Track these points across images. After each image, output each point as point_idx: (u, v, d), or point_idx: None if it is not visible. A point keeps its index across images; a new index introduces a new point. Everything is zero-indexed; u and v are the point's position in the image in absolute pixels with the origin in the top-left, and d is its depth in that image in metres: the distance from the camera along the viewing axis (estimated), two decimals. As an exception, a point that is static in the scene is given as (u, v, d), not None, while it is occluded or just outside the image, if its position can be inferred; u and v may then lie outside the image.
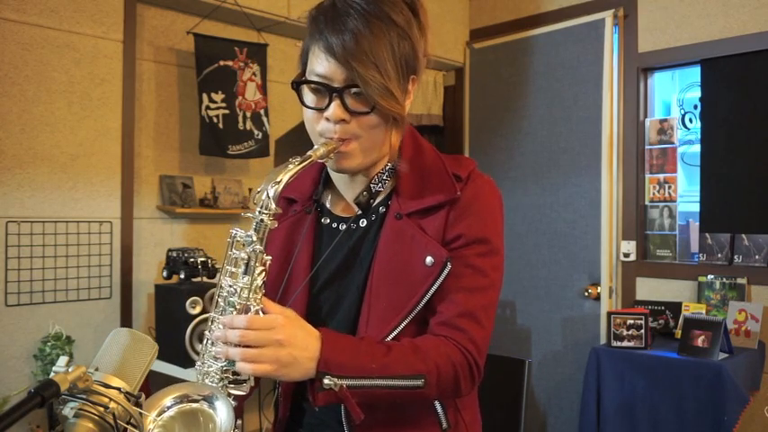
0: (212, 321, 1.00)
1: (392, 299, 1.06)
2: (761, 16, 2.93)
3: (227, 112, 2.93)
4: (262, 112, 3.05)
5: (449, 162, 1.13)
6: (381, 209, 1.13)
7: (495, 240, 1.10)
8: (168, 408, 0.93)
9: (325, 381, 0.95)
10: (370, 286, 1.07)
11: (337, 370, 0.96)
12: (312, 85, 1.04)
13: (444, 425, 1.11)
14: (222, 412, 0.92)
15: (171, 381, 2.47)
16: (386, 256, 1.08)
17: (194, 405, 0.94)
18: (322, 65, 1.01)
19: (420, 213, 1.09)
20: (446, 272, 1.04)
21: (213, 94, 2.90)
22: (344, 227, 1.14)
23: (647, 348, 2.74)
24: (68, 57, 2.57)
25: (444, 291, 1.06)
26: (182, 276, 2.61)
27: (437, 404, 1.11)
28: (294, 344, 0.95)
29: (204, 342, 1.00)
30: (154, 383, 2.63)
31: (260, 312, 0.97)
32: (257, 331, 0.94)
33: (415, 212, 1.09)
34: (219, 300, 1.00)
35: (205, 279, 2.63)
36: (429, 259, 1.05)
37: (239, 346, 0.94)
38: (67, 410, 0.82)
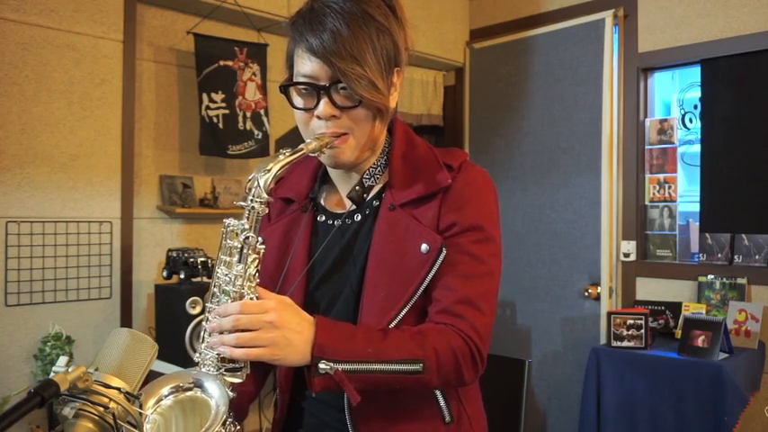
0: (208, 312, 1.00)
1: (390, 288, 1.06)
2: (761, 16, 2.93)
3: (227, 112, 2.93)
4: (262, 111, 3.05)
5: (440, 153, 1.15)
6: (375, 202, 1.14)
7: (489, 228, 1.10)
8: (165, 396, 0.94)
9: (321, 365, 0.95)
10: (368, 278, 1.08)
11: (333, 354, 0.96)
12: (300, 87, 1.06)
13: (447, 418, 1.11)
14: (215, 394, 0.93)
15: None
16: (381, 246, 1.08)
17: (189, 393, 0.95)
18: (306, 65, 1.03)
19: (413, 203, 1.10)
20: (441, 258, 1.05)
21: (213, 94, 2.90)
22: (339, 223, 1.15)
23: (647, 348, 2.74)
24: (68, 57, 2.57)
25: (442, 279, 1.06)
26: (182, 276, 2.61)
27: (440, 397, 1.11)
28: (288, 327, 0.95)
29: (201, 333, 1.01)
30: (154, 383, 2.63)
31: (254, 299, 0.98)
32: (250, 315, 0.94)
33: (408, 203, 1.10)
34: (215, 289, 1.00)
35: (205, 279, 2.63)
36: (424, 246, 1.06)
37: (234, 332, 0.95)
38: (67, 410, 0.82)
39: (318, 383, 0.96)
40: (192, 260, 2.62)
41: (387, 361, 0.98)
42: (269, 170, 0.99)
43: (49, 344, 2.46)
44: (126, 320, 2.72)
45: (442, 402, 1.11)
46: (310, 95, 1.05)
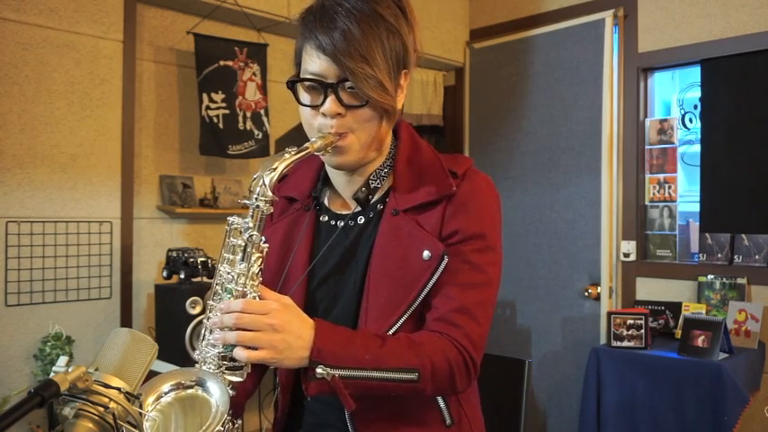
0: (210, 309, 1.00)
1: (391, 294, 1.06)
2: (761, 16, 2.93)
3: (227, 112, 2.93)
4: (262, 111, 3.05)
5: (445, 159, 1.15)
6: (379, 206, 1.14)
7: (491, 236, 1.10)
8: (165, 393, 0.94)
9: (318, 370, 0.95)
10: (369, 282, 1.08)
11: (331, 360, 0.96)
12: (307, 84, 1.06)
13: (448, 421, 1.11)
14: (216, 393, 0.93)
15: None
16: (383, 251, 1.08)
17: (190, 391, 0.95)
18: (315, 63, 1.03)
19: (417, 209, 1.10)
20: (443, 265, 1.05)
21: (213, 94, 2.90)
22: (342, 224, 1.15)
23: (647, 348, 2.74)
24: (68, 57, 2.57)
25: (441, 286, 1.06)
26: (182, 276, 2.61)
27: (440, 400, 1.11)
28: (289, 330, 0.95)
29: (202, 330, 1.01)
30: (154, 383, 2.63)
31: (256, 298, 0.98)
32: (252, 315, 0.95)
33: (411, 208, 1.10)
34: (217, 287, 1.00)
35: (205, 279, 2.63)
36: (426, 253, 1.06)
37: (235, 330, 0.95)
38: (67, 410, 0.82)
39: (314, 387, 0.97)
40: (191, 260, 2.62)
41: (383, 369, 0.99)
42: (274, 169, 0.98)
43: (49, 344, 2.46)
44: (126, 320, 2.72)
45: (442, 405, 1.11)
46: (317, 93, 1.05)
